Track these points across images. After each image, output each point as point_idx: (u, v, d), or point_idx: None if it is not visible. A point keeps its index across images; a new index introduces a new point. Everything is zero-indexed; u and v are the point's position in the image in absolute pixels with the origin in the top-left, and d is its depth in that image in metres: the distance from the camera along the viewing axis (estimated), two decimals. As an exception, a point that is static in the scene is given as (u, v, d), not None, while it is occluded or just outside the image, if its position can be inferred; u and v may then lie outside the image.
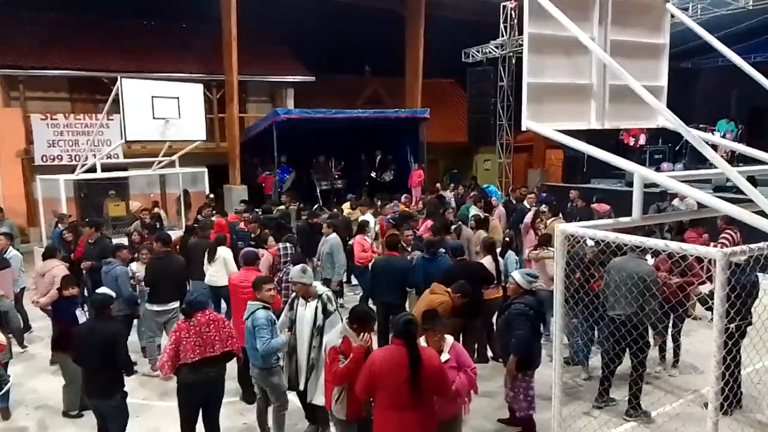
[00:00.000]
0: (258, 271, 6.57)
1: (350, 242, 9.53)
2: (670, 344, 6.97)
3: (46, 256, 7.87)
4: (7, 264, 8.12)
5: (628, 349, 5.77)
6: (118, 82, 11.67)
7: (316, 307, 5.16)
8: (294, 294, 5.42)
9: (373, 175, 18.14)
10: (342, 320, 4.73)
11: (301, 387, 5.17)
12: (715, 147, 3.90)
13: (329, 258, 8.55)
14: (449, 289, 5.97)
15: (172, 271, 7.26)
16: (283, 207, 12.93)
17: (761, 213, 3.35)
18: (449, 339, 4.53)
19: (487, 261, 7.38)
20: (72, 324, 5.79)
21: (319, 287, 5.36)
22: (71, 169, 13.32)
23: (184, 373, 4.91)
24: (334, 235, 8.81)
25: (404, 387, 3.67)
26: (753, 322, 5.49)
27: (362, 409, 4.27)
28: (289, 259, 7.62)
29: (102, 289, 5.51)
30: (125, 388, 5.19)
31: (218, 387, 5.17)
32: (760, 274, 5.80)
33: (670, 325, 6.81)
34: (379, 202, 12.60)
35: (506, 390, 5.53)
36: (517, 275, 5.55)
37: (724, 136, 14.29)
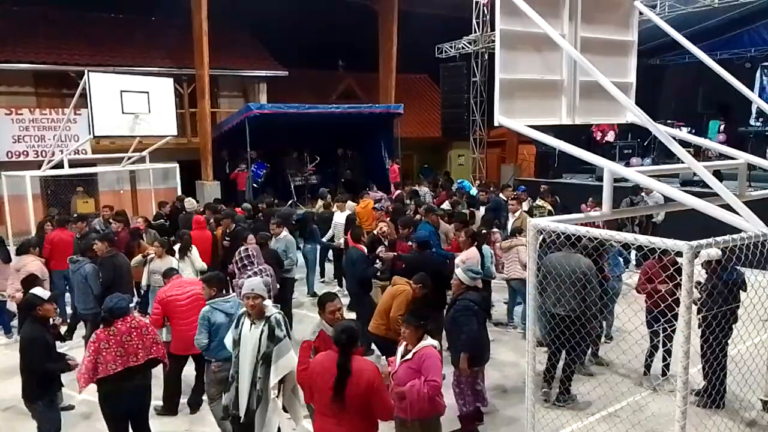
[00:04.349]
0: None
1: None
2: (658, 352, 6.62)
3: (20, 252, 7.76)
4: None
5: (566, 343, 5.63)
6: (86, 76, 11.44)
7: (262, 331, 4.49)
8: (243, 310, 4.75)
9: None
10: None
11: (242, 416, 4.61)
12: (682, 143, 3.98)
13: (284, 256, 8.44)
14: (410, 281, 6.00)
15: (123, 270, 7.16)
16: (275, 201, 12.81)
17: (727, 206, 3.43)
18: (428, 342, 4.31)
19: (472, 251, 7.45)
20: None
21: (269, 308, 4.65)
22: (37, 165, 13.03)
23: (106, 384, 4.66)
24: (285, 233, 8.66)
25: (329, 395, 3.61)
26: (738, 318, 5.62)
27: None
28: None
29: (35, 290, 5.27)
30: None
31: (144, 396, 4.96)
32: (746, 270, 5.59)
33: (660, 331, 6.36)
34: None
35: (453, 387, 5.41)
36: (460, 272, 5.46)
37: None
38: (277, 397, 4.63)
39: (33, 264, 7.35)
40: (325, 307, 4.45)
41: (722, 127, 15.88)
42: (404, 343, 4.40)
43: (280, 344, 4.50)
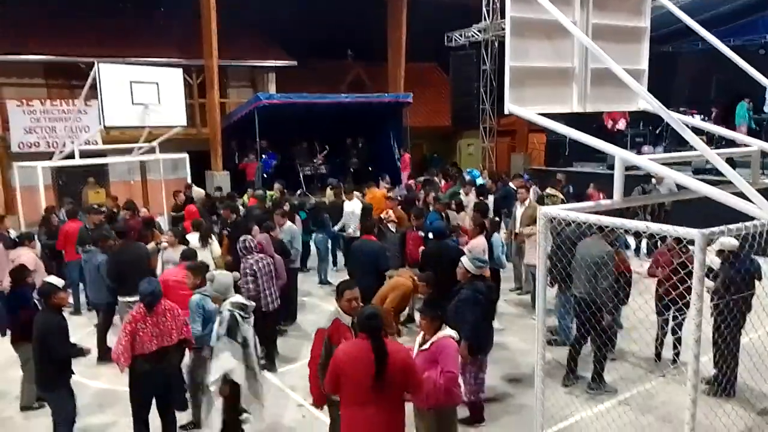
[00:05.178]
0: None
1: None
2: (668, 339, 6.67)
3: (17, 244, 7.89)
4: None
5: (592, 330, 5.74)
6: (95, 67, 11.45)
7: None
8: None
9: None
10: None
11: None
12: (695, 130, 3.94)
13: (289, 246, 8.39)
14: (414, 276, 5.94)
15: (136, 260, 7.03)
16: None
17: (740, 194, 3.40)
18: (446, 332, 4.30)
19: (479, 240, 7.43)
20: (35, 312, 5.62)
21: (224, 304, 4.85)
22: (49, 156, 13.11)
23: (141, 363, 4.79)
24: (290, 223, 8.68)
25: (368, 382, 3.54)
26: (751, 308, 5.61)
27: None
28: None
29: (50, 278, 5.30)
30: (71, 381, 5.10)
31: (175, 376, 5.11)
32: (758, 258, 5.68)
33: (670, 318, 6.45)
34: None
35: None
36: (465, 261, 5.40)
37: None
38: (222, 393, 4.67)
39: (26, 256, 7.38)
40: (343, 295, 4.42)
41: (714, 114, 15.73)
42: (422, 332, 4.41)
43: (218, 343, 4.63)
